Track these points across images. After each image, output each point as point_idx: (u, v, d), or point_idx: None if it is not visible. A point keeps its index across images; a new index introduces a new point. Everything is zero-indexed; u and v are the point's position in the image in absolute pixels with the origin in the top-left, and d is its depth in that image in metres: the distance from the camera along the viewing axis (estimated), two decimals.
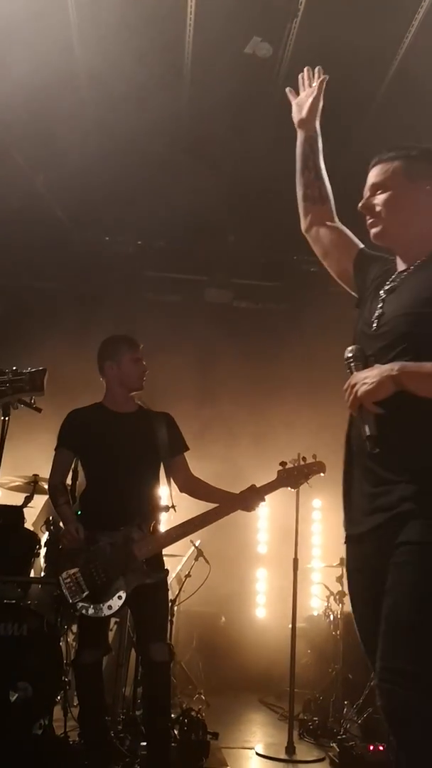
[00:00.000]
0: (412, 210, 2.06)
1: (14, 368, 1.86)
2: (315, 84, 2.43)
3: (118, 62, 4.26)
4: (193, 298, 6.53)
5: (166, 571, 3.35)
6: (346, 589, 5.19)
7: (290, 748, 4.13)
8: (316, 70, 2.45)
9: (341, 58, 4.18)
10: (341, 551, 2.16)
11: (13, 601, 3.98)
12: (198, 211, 5.63)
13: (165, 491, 3.56)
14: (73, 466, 3.77)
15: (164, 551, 3.36)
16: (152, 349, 3.94)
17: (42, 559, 4.31)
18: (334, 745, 4.02)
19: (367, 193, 2.14)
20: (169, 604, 3.79)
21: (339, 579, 4.95)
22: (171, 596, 4.06)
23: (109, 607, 3.08)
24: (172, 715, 3.77)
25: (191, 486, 3.55)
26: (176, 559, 5.10)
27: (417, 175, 2.07)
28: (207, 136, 4.80)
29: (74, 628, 4.37)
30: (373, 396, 1.85)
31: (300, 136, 2.46)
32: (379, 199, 2.10)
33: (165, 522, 3.62)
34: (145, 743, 3.40)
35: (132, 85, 4.43)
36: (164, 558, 3.40)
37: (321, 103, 2.46)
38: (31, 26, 3.93)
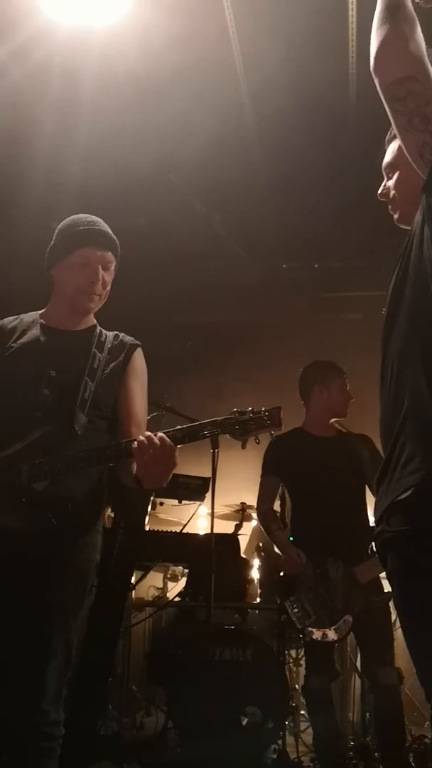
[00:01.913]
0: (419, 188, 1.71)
1: (251, 408, 1.98)
2: None
3: (285, 104, 4.36)
4: (375, 315, 6.42)
5: (388, 594, 3.30)
6: None
7: None
8: None
9: None
10: None
11: (233, 627, 4.11)
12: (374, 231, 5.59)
13: None
14: (280, 492, 3.86)
15: (384, 574, 3.32)
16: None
17: (257, 585, 4.41)
18: None
19: (383, 175, 1.92)
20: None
21: None
22: None
23: (336, 632, 3.10)
24: None
25: None
26: None
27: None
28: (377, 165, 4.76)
29: (293, 653, 4.43)
30: None
31: None
32: (392, 182, 1.87)
33: None
34: None
35: (297, 125, 4.52)
36: (384, 581, 3.36)
37: None
38: (202, 80, 4.15)
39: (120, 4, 3.50)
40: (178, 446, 1.94)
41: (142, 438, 1.92)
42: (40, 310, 2.40)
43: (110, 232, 2.34)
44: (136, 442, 1.93)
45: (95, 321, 2.41)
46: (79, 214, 2.38)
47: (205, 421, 1.97)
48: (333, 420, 3.64)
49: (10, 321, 2.35)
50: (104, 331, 2.38)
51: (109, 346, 2.33)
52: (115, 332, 2.40)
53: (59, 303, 2.35)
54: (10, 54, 3.70)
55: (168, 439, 1.92)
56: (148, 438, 1.91)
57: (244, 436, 1.95)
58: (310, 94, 4.32)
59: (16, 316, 2.38)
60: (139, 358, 2.36)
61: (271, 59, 4.01)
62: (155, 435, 1.93)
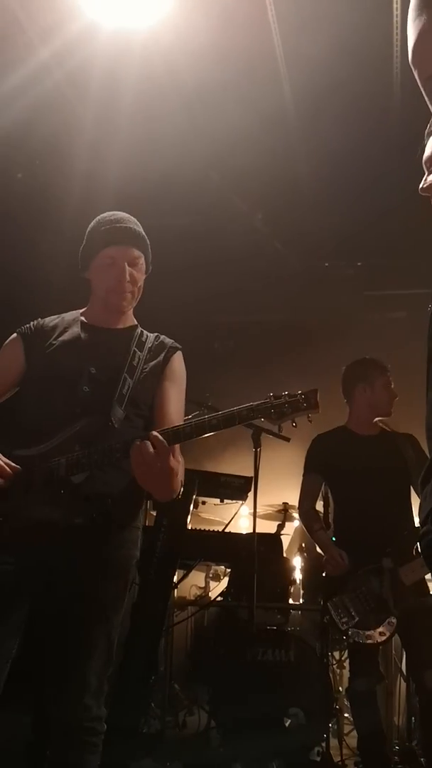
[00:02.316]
0: None
1: (286, 392, 1.95)
2: None
3: (327, 102, 4.31)
4: (420, 313, 6.32)
5: None
6: None
7: None
8: None
9: None
10: None
11: (275, 627, 4.08)
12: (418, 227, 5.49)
13: None
14: (323, 491, 3.81)
15: (429, 576, 3.26)
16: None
17: (299, 586, 4.38)
18: None
19: (425, 169, 1.75)
20: None
21: None
22: None
23: (381, 634, 3.05)
24: None
25: None
26: None
27: None
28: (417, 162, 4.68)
29: (336, 654, 4.38)
30: None
31: None
32: None
33: None
34: None
35: (340, 122, 4.46)
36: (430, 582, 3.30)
37: None
38: (244, 79, 4.14)
39: (161, 4, 3.50)
40: (211, 434, 1.90)
41: (138, 441, 1.88)
42: (81, 309, 2.42)
43: (135, 227, 2.32)
44: (138, 440, 1.89)
45: (135, 321, 2.42)
46: (106, 212, 2.37)
47: (240, 406, 1.94)
48: (377, 419, 3.58)
49: (51, 319, 2.37)
50: (145, 331, 2.38)
51: (149, 345, 2.33)
52: (156, 333, 2.40)
53: (96, 303, 2.37)
54: (52, 55, 3.74)
55: (161, 437, 1.88)
56: (142, 438, 1.88)
57: (279, 419, 1.92)
58: (353, 91, 4.26)
59: (57, 315, 2.40)
60: (178, 361, 2.35)
61: (314, 57, 3.97)
62: (150, 434, 1.90)
